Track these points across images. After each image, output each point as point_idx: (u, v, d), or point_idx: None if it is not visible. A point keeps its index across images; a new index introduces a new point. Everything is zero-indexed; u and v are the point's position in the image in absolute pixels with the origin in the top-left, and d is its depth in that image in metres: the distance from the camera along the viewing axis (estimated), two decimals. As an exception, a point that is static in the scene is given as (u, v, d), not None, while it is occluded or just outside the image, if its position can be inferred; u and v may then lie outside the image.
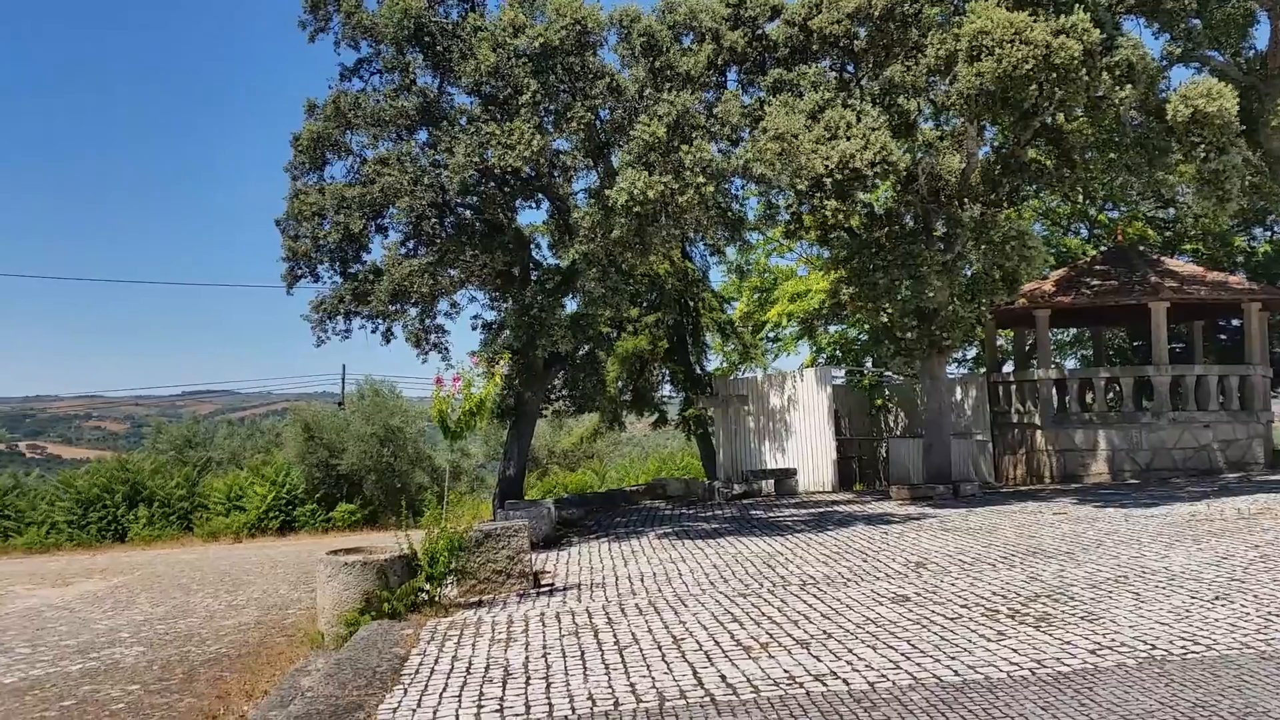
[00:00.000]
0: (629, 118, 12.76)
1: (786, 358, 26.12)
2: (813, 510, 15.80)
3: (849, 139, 12.44)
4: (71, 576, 14.66)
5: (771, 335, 25.02)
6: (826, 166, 12.31)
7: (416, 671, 6.28)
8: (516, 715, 5.24)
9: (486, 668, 6.28)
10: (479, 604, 8.86)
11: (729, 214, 13.94)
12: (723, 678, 5.76)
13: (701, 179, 11.84)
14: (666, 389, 22.68)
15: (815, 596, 8.21)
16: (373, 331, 14.26)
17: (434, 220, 13.75)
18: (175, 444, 24.86)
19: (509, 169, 12.94)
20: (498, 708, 5.39)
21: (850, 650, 6.28)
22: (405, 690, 5.83)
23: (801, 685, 5.54)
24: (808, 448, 20.25)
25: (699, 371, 21.67)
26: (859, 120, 12.71)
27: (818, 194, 13.28)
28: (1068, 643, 6.24)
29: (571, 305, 15.72)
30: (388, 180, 12.99)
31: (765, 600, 8.15)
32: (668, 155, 11.95)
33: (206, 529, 19.99)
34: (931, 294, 15.43)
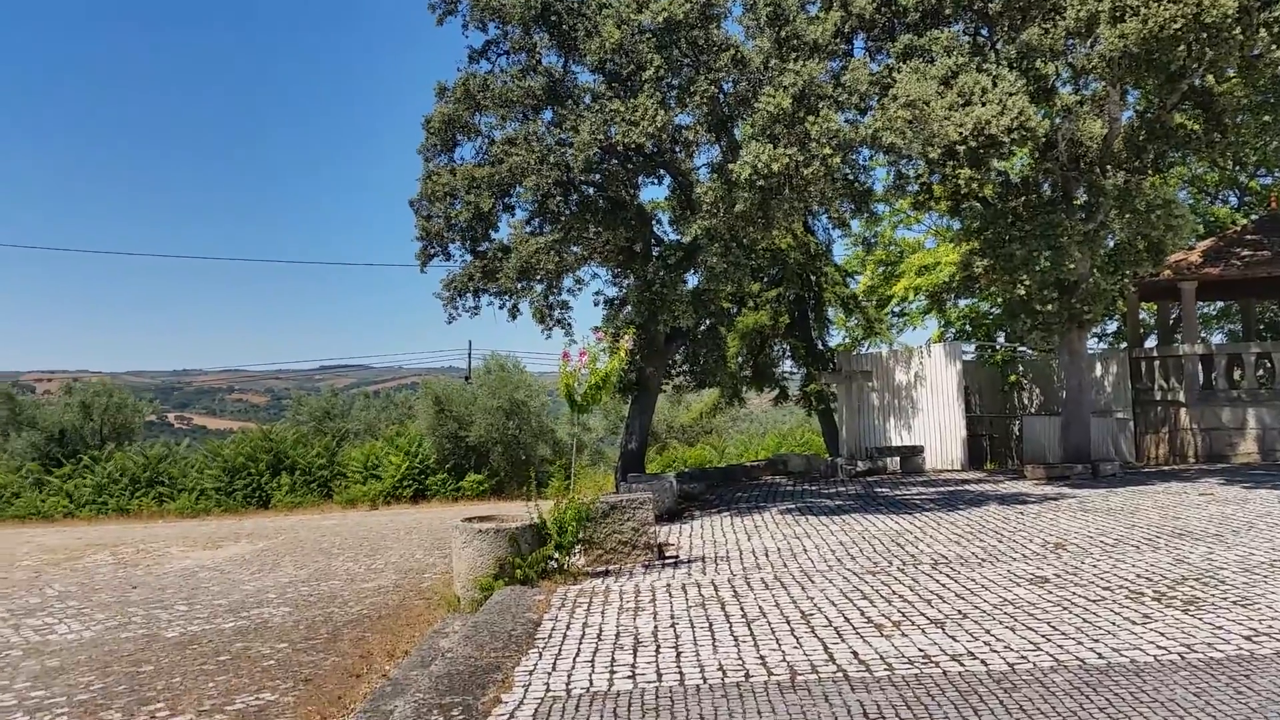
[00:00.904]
0: (753, 90, 12.61)
1: (912, 332, 25.55)
2: (942, 489, 15.43)
3: (984, 105, 11.98)
4: (221, 540, 15.56)
5: (897, 310, 24.45)
6: (960, 134, 11.90)
7: (549, 636, 6.43)
8: (649, 682, 5.31)
9: (617, 635, 6.38)
10: (605, 573, 9.01)
11: (855, 185, 13.66)
12: (855, 654, 5.70)
13: (828, 150, 11.62)
14: (787, 364, 22.43)
15: (948, 576, 8.03)
16: (500, 308, 14.59)
17: (559, 198, 13.94)
18: (315, 416, 26.02)
19: (632, 145, 12.98)
20: (629, 674, 5.47)
21: (987, 631, 6.13)
22: (540, 653, 5.99)
23: (937, 664, 5.44)
24: (935, 425, 19.75)
25: (821, 347, 21.34)
26: (994, 85, 12.23)
27: (950, 163, 12.86)
28: (1219, 628, 5.93)
29: (693, 280, 15.71)
30: (515, 160, 13.21)
31: (895, 578, 8.02)
32: (793, 127, 11.76)
33: (345, 496, 20.90)
34: (1072, 265, 14.79)
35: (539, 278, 14.18)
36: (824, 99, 12.04)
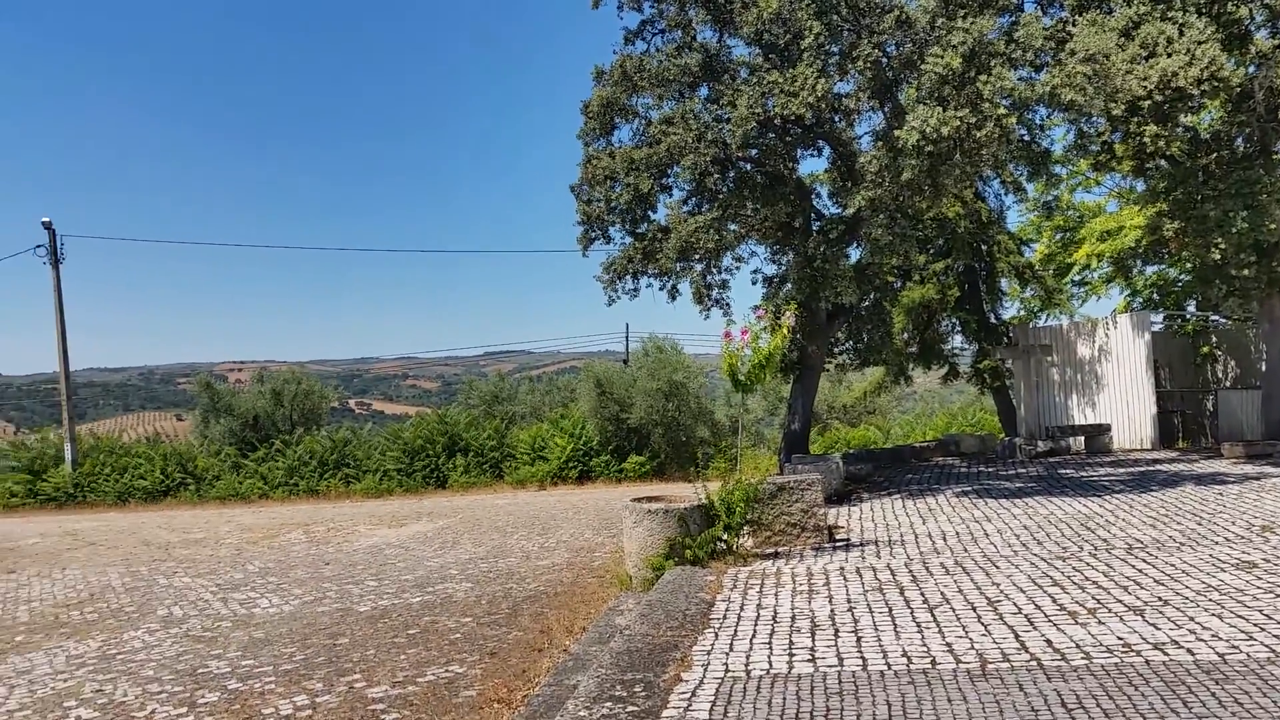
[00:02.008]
0: (919, 51, 12.09)
1: (1095, 303, 24.13)
2: (1131, 469, 14.52)
3: (1170, 55, 11.10)
4: (403, 518, 16.30)
5: (1077, 279, 23.09)
6: (1145, 88, 11.08)
7: (724, 617, 6.40)
8: (829, 666, 5.19)
9: (793, 618, 6.28)
10: (775, 555, 8.91)
11: (1032, 147, 12.95)
12: (1048, 642, 5.41)
13: (1002, 110, 11.04)
14: (957, 340, 21.56)
15: (1145, 561, 7.52)
16: (660, 289, 14.61)
17: (716, 176, 13.80)
18: (484, 399, 26.91)
19: (790, 117, 12.71)
20: (809, 657, 5.37)
21: (1192, 619, 5.69)
22: (715, 634, 5.96)
23: (1139, 653, 5.09)
24: (1121, 401, 18.61)
25: (994, 320, 20.40)
26: (1181, 34, 11.31)
27: (1134, 119, 12.03)
28: None
29: (855, 255, 15.29)
30: (672, 139, 13.16)
31: (1087, 564, 7.57)
32: (963, 88, 11.22)
33: (515, 477, 21.56)
34: (1273, 225, 13.59)
35: (698, 257, 14.11)
36: (996, 57, 11.42)
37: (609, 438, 22.32)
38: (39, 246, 23.94)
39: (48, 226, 24.03)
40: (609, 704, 4.67)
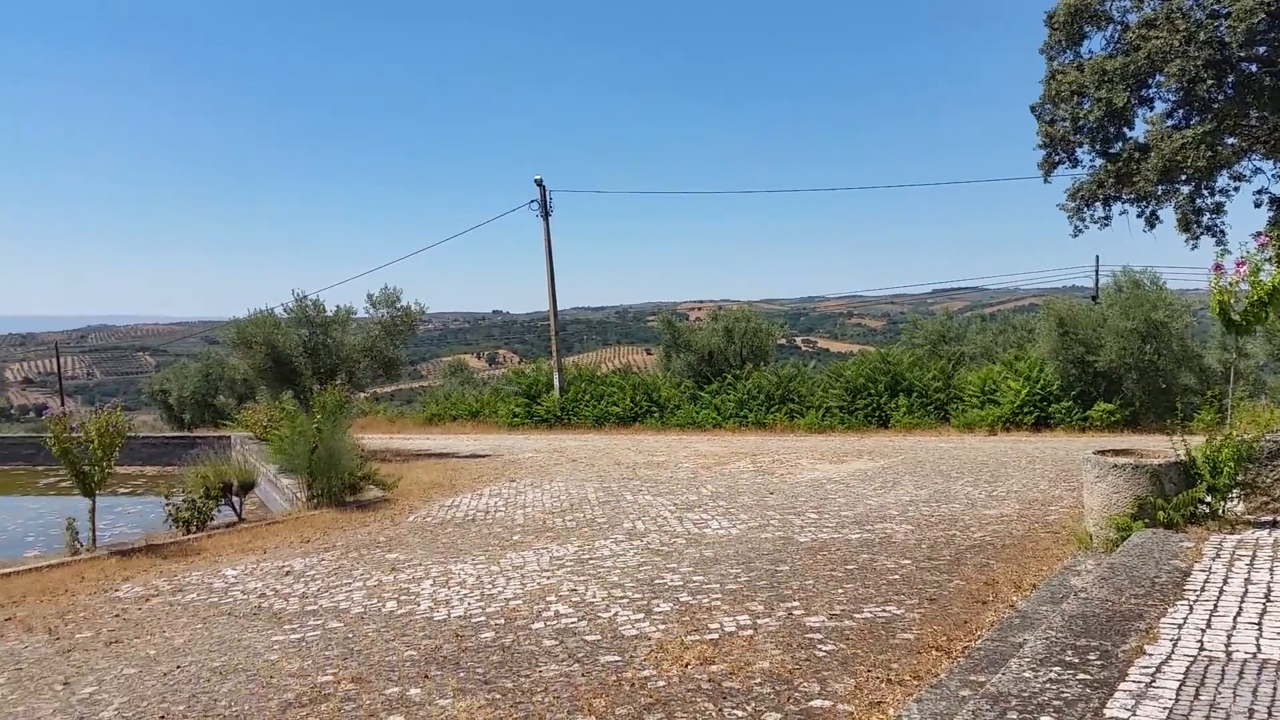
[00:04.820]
0: None
1: None
2: None
3: None
4: (844, 455, 16.44)
5: None
6: None
7: (1201, 589, 5.61)
8: (1344, 662, 4.33)
9: (1295, 599, 5.34)
10: (1273, 524, 7.62)
11: None
12: None
13: None
14: None
15: None
16: (1136, 216, 13.06)
17: (1210, 82, 11.87)
18: (930, 339, 26.10)
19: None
20: (1316, 648, 4.53)
21: None
22: (1190, 607, 5.25)
23: None
24: None
25: None
26: None
27: None
28: None
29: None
30: (1155, 44, 11.54)
31: None
32: None
33: (961, 420, 20.73)
34: None
35: (1184, 178, 12.36)
36: None
37: (1071, 382, 20.53)
38: (532, 201, 27.27)
39: (539, 183, 27.28)
40: (1057, 668, 4.32)
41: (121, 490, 18.74)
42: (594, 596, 7.20)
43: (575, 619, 6.58)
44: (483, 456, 18.48)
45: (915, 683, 5.04)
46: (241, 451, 19.35)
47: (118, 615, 7.33)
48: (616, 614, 6.67)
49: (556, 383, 26.66)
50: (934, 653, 5.53)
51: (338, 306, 21.21)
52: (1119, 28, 12.61)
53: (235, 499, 12.76)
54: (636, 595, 7.17)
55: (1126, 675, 4.25)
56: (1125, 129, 12.62)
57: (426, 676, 5.50)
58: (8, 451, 25.70)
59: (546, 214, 27.11)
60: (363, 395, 26.06)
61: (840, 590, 7.04)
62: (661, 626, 6.30)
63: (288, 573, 8.63)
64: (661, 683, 5.21)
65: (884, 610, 6.46)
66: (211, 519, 11.90)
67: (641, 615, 6.61)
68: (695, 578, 7.67)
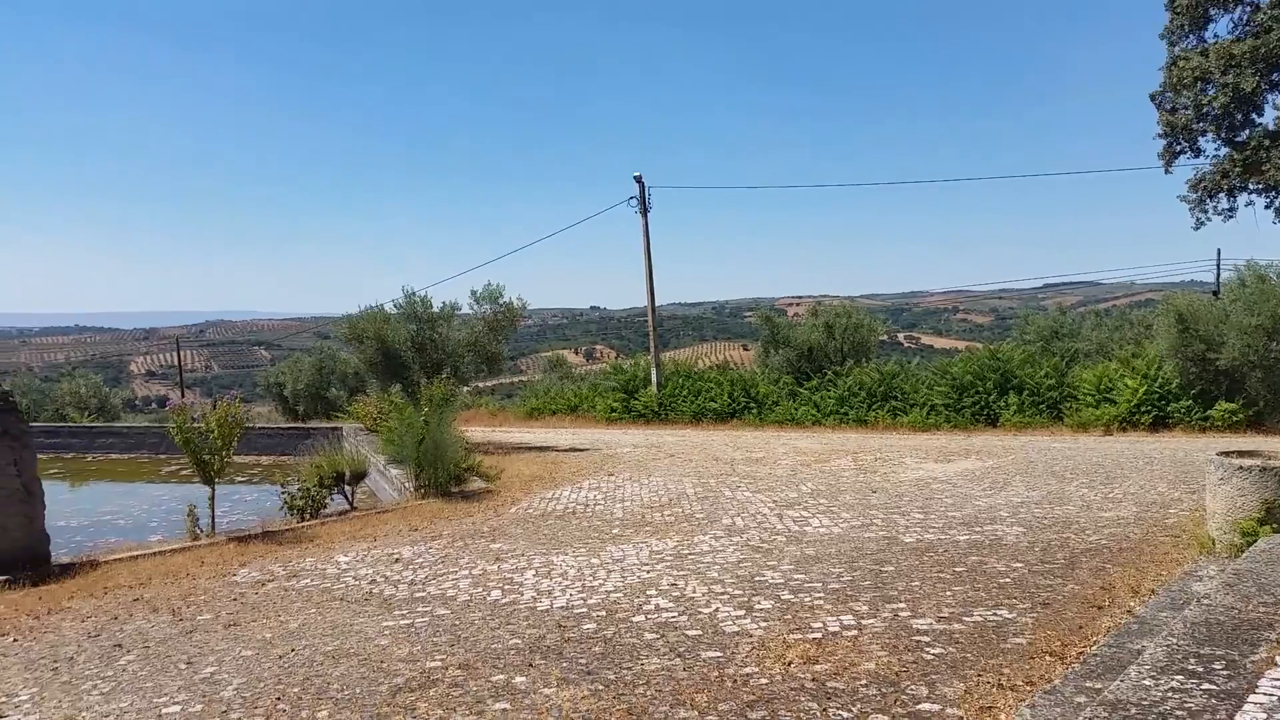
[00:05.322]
0: None
1: None
2: None
3: None
4: (951, 454, 16.05)
5: None
6: None
7: (1342, 601, 5.30)
8: None
9: None
10: None
11: None
12: None
13: None
14: None
15: None
16: (1265, 207, 12.38)
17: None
18: (1042, 335, 25.24)
19: None
20: None
21: None
22: (1329, 620, 4.95)
23: None
24: None
25: None
26: None
27: None
28: None
29: None
30: (1288, 23, 10.92)
31: None
32: None
33: (1075, 419, 19.99)
34: None
35: (1321, 167, 11.63)
36: None
37: (1191, 381, 19.61)
38: (631, 198, 27.38)
39: (638, 180, 27.39)
40: (1180, 677, 4.14)
41: (239, 479, 19.56)
42: (694, 592, 7.21)
43: (676, 613, 6.60)
44: (581, 450, 18.68)
45: (1028, 688, 4.89)
46: (353, 442, 19.99)
47: (235, 599, 7.65)
48: (717, 610, 6.65)
49: (654, 378, 26.75)
50: (1047, 658, 5.36)
51: (444, 303, 21.70)
52: (1249, 9, 11.93)
53: (347, 488, 13.18)
54: (737, 592, 7.15)
55: (1256, 687, 4.04)
56: (1254, 115, 11.95)
57: (531, 665, 5.59)
58: (134, 440, 27.10)
59: (645, 210, 27.20)
60: (466, 389, 26.62)
61: (948, 593, 6.88)
62: (763, 624, 6.26)
63: (397, 560, 8.88)
64: (764, 680, 5.18)
65: (995, 614, 6.28)
66: (325, 507, 12.32)
67: (742, 612, 6.58)
68: (796, 576, 7.60)
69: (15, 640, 6.65)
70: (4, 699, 5.42)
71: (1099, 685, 4.55)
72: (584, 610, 6.78)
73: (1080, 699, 4.42)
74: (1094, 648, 5.29)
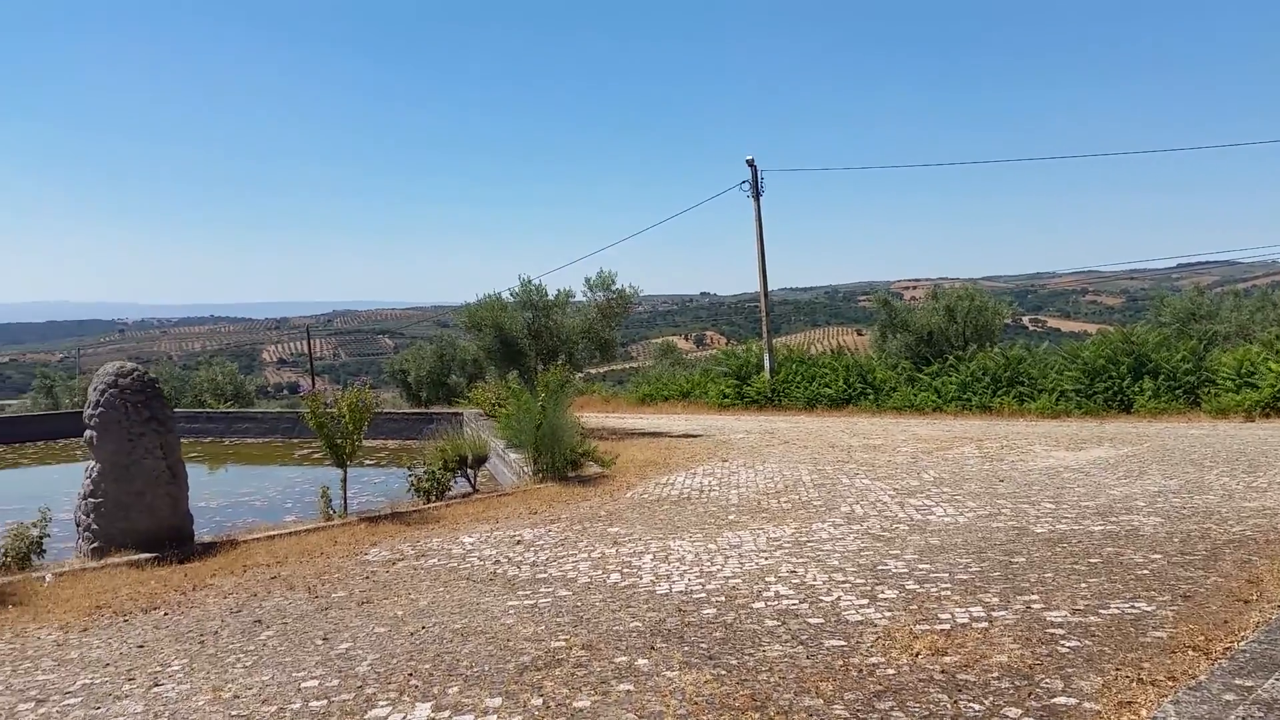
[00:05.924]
0: None
1: None
2: None
3: None
4: (1082, 442, 15.43)
5: None
6: None
7: None
8: None
9: None
10: None
11: None
12: None
13: None
14: None
15: None
16: None
17: None
18: (1178, 316, 24.01)
19: None
20: None
21: None
22: None
23: None
24: None
25: None
26: None
27: None
28: None
29: None
30: None
31: None
32: None
33: (1215, 405, 18.95)
34: None
35: None
36: None
37: (1344, 364, 18.36)
38: (743, 182, 27.12)
39: (750, 164, 27.13)
40: (1346, 679, 3.89)
41: (367, 462, 20.30)
42: (814, 580, 7.14)
43: (796, 601, 6.55)
44: (694, 436, 18.69)
45: (1170, 684, 4.68)
46: (474, 427, 20.51)
47: (367, 577, 7.95)
48: (839, 598, 6.57)
49: (767, 363, 26.54)
50: (1190, 653, 5.11)
51: (558, 290, 22.02)
52: None
53: (469, 471, 13.54)
54: (859, 580, 7.05)
55: None
56: None
57: (653, 648, 5.63)
58: (267, 425, 28.40)
59: (758, 195, 26.94)
60: (580, 375, 26.95)
61: (1083, 584, 6.62)
62: (888, 614, 6.15)
63: (518, 542, 9.07)
64: (891, 671, 5.10)
65: (1133, 606, 6.02)
66: (448, 489, 12.69)
67: (865, 601, 6.48)
68: (921, 566, 7.44)
69: (166, 614, 7.06)
70: (160, 668, 5.77)
71: (1250, 683, 4.32)
72: (703, 595, 6.80)
73: (1229, 696, 4.21)
74: (1242, 644, 5.02)
